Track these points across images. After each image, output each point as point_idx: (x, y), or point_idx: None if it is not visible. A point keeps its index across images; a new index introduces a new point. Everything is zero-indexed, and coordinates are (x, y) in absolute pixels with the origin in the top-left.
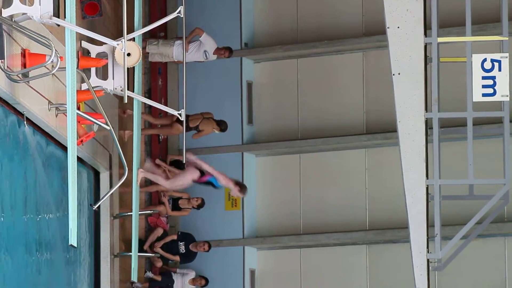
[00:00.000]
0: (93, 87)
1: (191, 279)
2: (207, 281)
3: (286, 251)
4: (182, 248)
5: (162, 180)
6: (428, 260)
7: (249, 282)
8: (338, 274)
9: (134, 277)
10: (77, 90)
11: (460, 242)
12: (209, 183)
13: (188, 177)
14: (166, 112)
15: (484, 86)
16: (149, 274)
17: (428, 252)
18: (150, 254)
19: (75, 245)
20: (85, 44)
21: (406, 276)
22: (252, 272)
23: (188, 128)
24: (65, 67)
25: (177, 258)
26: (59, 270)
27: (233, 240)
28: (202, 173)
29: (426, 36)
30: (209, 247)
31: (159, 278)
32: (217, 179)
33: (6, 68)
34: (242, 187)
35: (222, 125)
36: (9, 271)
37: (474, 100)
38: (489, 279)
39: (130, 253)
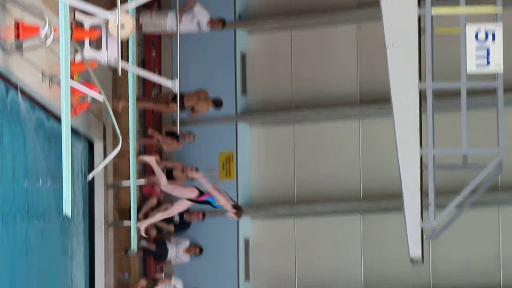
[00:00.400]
0: (86, 59)
1: (186, 248)
2: (201, 250)
3: (280, 220)
4: (176, 217)
5: (163, 179)
6: (422, 229)
7: (243, 251)
8: (332, 243)
9: (133, 246)
10: (70, 62)
11: (454, 211)
12: (207, 202)
13: (186, 193)
14: (161, 91)
15: (478, 57)
16: (144, 243)
17: (422, 221)
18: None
19: (70, 215)
20: (78, 16)
21: (400, 245)
22: (246, 241)
23: (183, 108)
24: (58, 39)
25: (172, 227)
26: (53, 239)
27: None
28: (201, 192)
29: (420, 8)
30: (204, 216)
31: (153, 247)
32: (217, 200)
33: None
34: (239, 210)
35: (218, 103)
36: (3, 239)
37: (468, 71)
38: (483, 247)
39: (124, 223)
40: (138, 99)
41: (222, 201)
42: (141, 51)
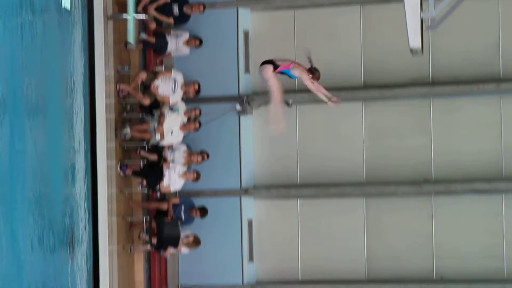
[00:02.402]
0: None
1: (185, 40)
2: (201, 41)
3: (279, 12)
4: (176, 10)
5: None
6: (421, 19)
7: (243, 44)
8: (331, 35)
9: (130, 38)
10: None
11: (454, 1)
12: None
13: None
14: None
15: None
16: (143, 35)
17: (421, 11)
18: (144, 16)
19: (68, 8)
20: None
21: (400, 36)
22: (246, 34)
23: None
24: None
25: (171, 20)
26: (52, 33)
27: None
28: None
29: None
30: (204, 8)
31: (153, 40)
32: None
33: None
34: (315, 73)
35: None
36: (1, 35)
37: None
38: (483, 37)
39: (124, 15)
40: None
41: (298, 73)
42: None
